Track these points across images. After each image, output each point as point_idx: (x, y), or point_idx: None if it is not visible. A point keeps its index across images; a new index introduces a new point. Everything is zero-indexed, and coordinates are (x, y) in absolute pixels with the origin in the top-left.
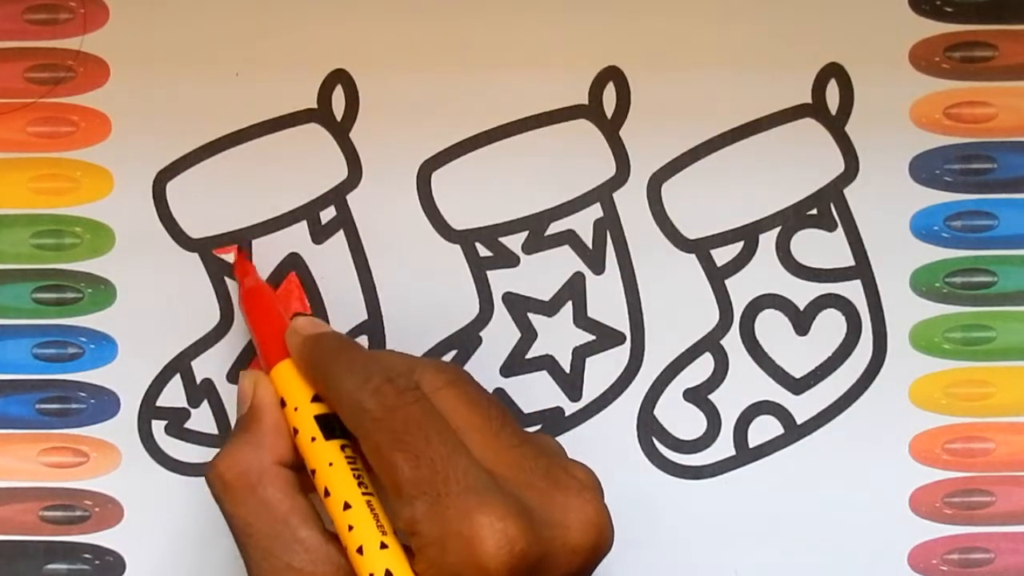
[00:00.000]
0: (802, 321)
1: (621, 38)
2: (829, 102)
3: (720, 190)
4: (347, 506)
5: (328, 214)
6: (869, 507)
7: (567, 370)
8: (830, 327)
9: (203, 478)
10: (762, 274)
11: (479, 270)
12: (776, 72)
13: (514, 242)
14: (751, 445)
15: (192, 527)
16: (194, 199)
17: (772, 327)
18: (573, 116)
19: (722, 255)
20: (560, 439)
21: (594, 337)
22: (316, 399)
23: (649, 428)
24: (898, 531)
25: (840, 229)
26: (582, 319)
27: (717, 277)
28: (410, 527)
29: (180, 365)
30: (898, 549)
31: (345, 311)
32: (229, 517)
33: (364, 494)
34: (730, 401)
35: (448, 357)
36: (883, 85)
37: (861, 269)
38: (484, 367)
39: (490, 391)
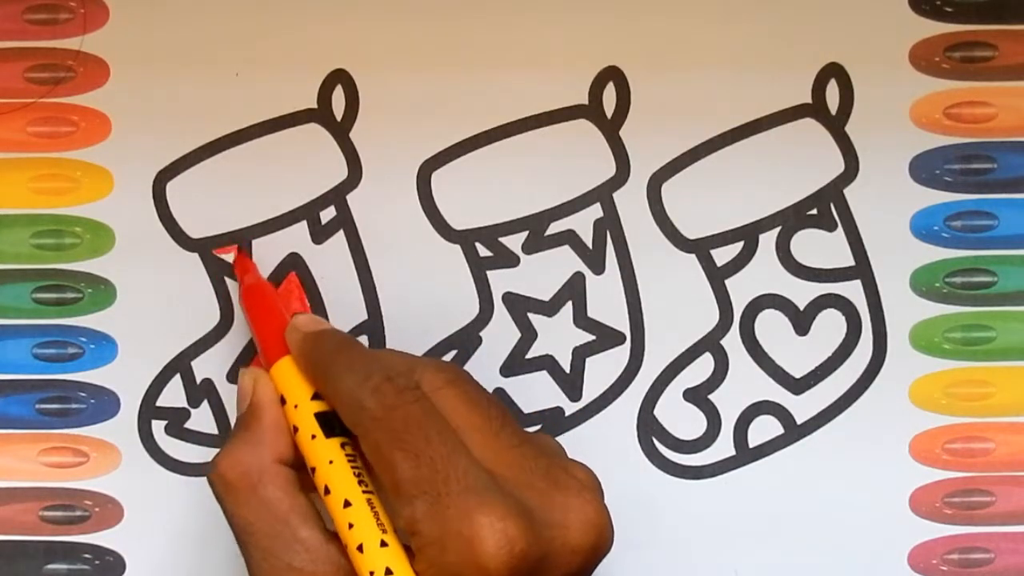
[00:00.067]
0: (802, 321)
1: (621, 38)
2: (829, 102)
3: (720, 190)
4: (347, 504)
5: (328, 214)
6: (869, 507)
7: (567, 370)
8: (830, 327)
9: (203, 478)
10: (762, 274)
11: (479, 270)
12: (776, 72)
13: (514, 242)
14: (751, 445)
15: (192, 527)
16: (194, 199)
17: (772, 327)
18: (573, 116)
19: (722, 255)
20: (560, 439)
21: (594, 337)
22: (316, 396)
23: (649, 428)
24: (898, 531)
25: (840, 229)
26: (582, 319)
27: (717, 277)
28: (410, 526)
29: (180, 365)
30: (898, 549)
31: (345, 311)
32: (230, 517)
33: (364, 492)
34: (730, 401)
35: (448, 357)
36: (883, 85)
37: (861, 269)
38: (484, 367)
39: (490, 391)
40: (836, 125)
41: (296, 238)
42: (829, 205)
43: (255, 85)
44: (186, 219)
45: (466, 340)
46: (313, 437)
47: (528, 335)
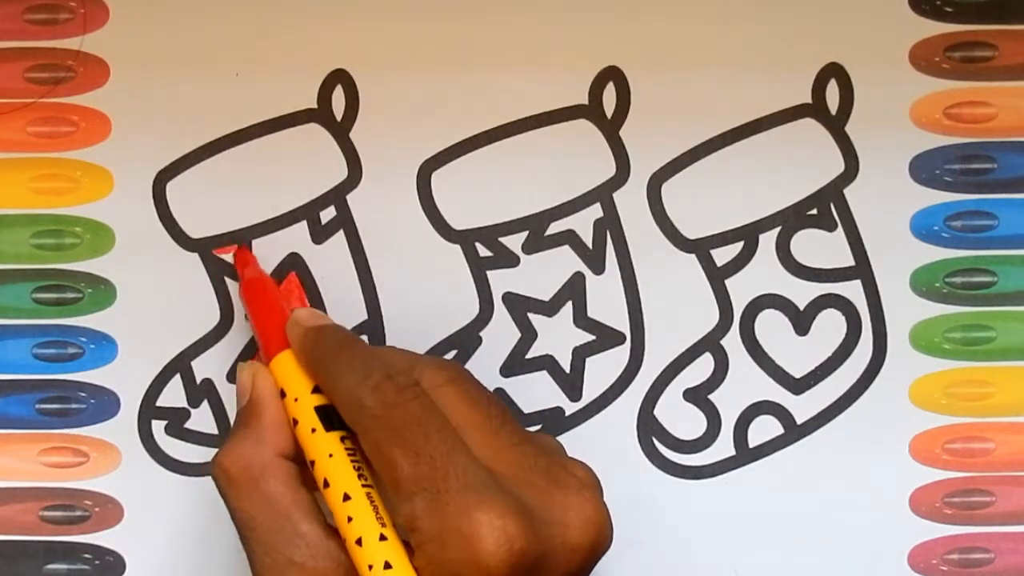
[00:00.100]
0: (802, 321)
1: (621, 38)
2: (829, 102)
3: (720, 190)
4: (346, 497)
5: (328, 214)
6: (869, 507)
7: (567, 370)
8: (830, 327)
9: (203, 478)
10: (762, 274)
11: (479, 270)
12: (776, 72)
13: (514, 242)
14: (751, 445)
15: (192, 527)
16: (194, 199)
17: (772, 327)
18: (573, 116)
19: (722, 255)
20: (560, 439)
21: (594, 337)
22: (316, 390)
23: (649, 428)
24: (898, 531)
25: (840, 229)
26: (582, 319)
27: (717, 277)
28: (409, 523)
29: (180, 365)
30: (898, 549)
31: (345, 311)
32: (233, 511)
33: (364, 486)
34: (730, 401)
35: (448, 357)
36: (883, 85)
37: (861, 269)
38: (484, 367)
39: (490, 391)
40: (836, 125)
41: (296, 238)
42: (829, 205)
43: (255, 85)
44: (186, 219)
45: (466, 340)
46: (313, 431)
47: (528, 335)
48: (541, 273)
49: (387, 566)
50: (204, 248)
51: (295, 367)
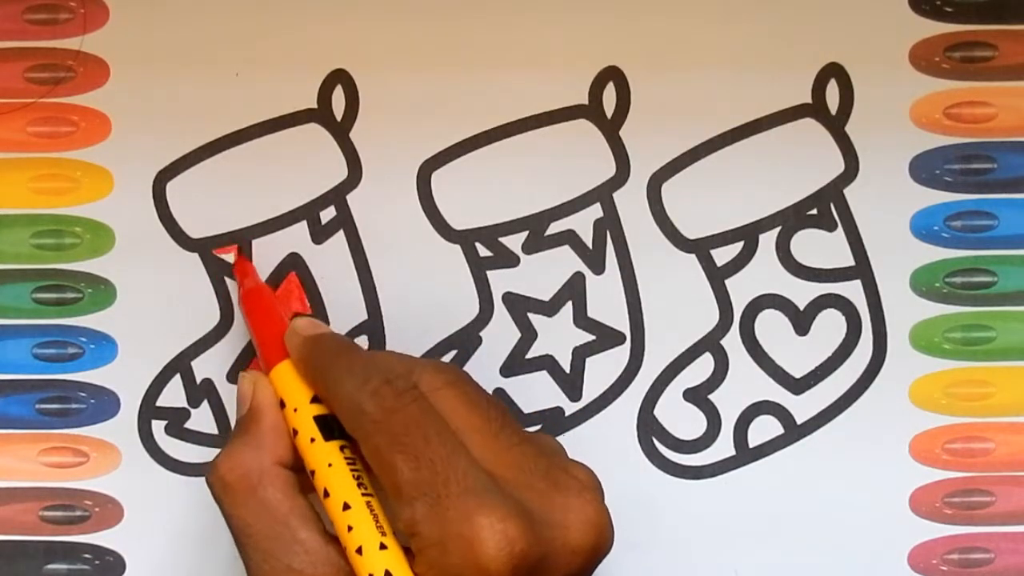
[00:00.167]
0: (802, 321)
1: (621, 38)
2: (829, 102)
3: (720, 190)
4: (346, 507)
5: (328, 214)
6: (869, 507)
7: (567, 370)
8: (830, 327)
9: (204, 478)
10: (762, 274)
11: (479, 270)
12: (776, 72)
13: (514, 242)
14: (751, 445)
15: (192, 527)
16: (194, 199)
17: (772, 327)
18: (573, 116)
19: (722, 255)
20: (560, 439)
21: (594, 337)
22: (315, 400)
23: (649, 428)
24: (898, 531)
25: (840, 229)
26: (582, 319)
27: (717, 277)
28: (410, 528)
29: (180, 365)
30: (898, 549)
31: (345, 311)
32: (229, 518)
33: (363, 495)
34: (730, 401)
35: (448, 357)
36: (883, 85)
37: (861, 269)
38: (484, 367)
39: (490, 391)
40: (836, 125)
41: (296, 238)
42: (829, 205)
43: (255, 85)
44: (186, 219)
45: (466, 340)
46: (312, 440)
47: (528, 335)
48: (541, 273)
49: (387, 575)
50: (204, 248)
51: (294, 377)
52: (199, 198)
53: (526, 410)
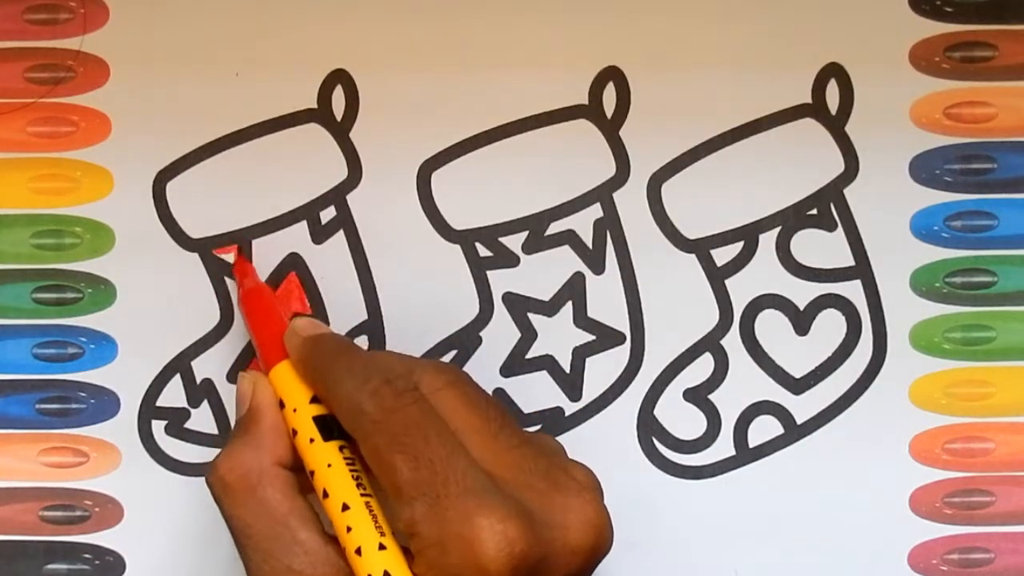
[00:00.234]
0: (802, 321)
1: (621, 38)
2: (829, 102)
3: (720, 190)
4: (345, 507)
5: (328, 214)
6: (869, 507)
7: (567, 370)
8: (830, 327)
9: (203, 479)
10: (762, 274)
11: (479, 270)
12: (776, 72)
13: (514, 242)
14: (751, 445)
15: (192, 527)
16: (194, 199)
17: (772, 327)
18: (573, 116)
19: (722, 255)
20: (560, 439)
21: (594, 337)
22: (315, 400)
23: (649, 428)
24: (898, 531)
25: (840, 229)
26: (582, 319)
27: (717, 277)
28: (409, 528)
29: (180, 365)
30: (898, 549)
31: (345, 311)
32: (229, 519)
33: (363, 495)
34: (730, 401)
35: (448, 357)
36: (883, 85)
37: (861, 269)
38: (484, 367)
39: (490, 391)
40: (836, 125)
41: (296, 238)
42: (829, 205)
43: (255, 85)
44: (186, 219)
45: (466, 340)
46: (312, 441)
47: (528, 335)
48: (541, 273)
49: (386, 575)
50: (204, 248)
51: (293, 378)
52: (199, 198)
53: (526, 410)
